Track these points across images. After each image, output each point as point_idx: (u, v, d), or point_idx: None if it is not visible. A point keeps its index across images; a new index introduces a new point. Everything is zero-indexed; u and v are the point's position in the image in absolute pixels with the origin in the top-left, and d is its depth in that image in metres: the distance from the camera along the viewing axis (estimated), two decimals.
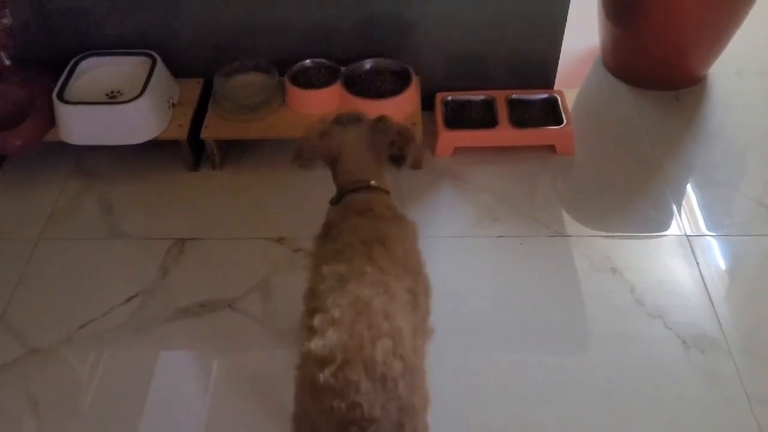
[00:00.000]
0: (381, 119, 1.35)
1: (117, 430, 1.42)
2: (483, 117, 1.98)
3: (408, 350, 1.05)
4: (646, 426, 1.40)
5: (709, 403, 1.43)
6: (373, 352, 1.00)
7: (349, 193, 1.29)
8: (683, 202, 1.84)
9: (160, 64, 1.91)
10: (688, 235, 1.75)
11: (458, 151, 1.98)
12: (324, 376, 0.98)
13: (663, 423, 1.40)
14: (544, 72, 2.03)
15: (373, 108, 1.85)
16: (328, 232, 1.27)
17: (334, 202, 1.32)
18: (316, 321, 1.05)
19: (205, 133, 1.89)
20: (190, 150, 1.91)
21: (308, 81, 1.94)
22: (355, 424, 0.96)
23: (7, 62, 1.84)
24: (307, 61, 1.97)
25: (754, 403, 1.42)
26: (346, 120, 1.37)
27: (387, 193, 1.32)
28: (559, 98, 2.00)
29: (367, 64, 1.97)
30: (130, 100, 1.80)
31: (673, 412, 1.42)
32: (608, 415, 1.42)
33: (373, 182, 1.30)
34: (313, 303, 1.11)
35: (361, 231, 1.21)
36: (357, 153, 1.32)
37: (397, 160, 1.38)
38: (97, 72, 1.93)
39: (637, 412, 1.42)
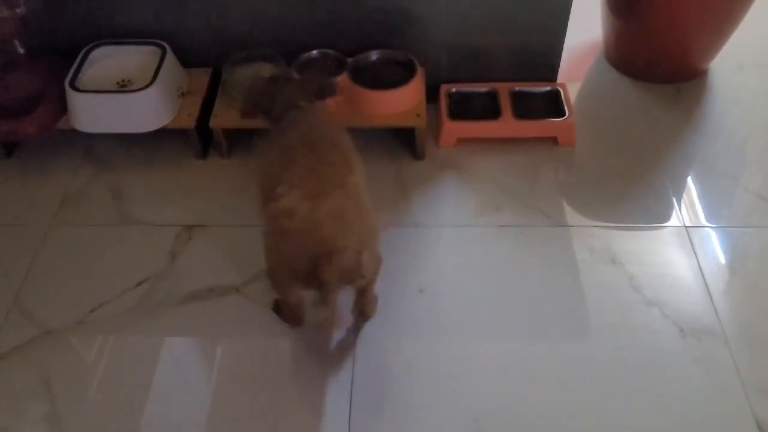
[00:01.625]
0: (307, 73, 1.68)
1: (125, 412, 1.46)
2: (486, 109, 2.01)
3: (353, 194, 1.34)
4: (642, 412, 1.43)
5: (705, 390, 1.46)
6: (329, 199, 1.28)
7: (287, 116, 1.53)
8: (683, 194, 1.87)
9: (169, 53, 1.94)
10: (687, 227, 1.78)
11: (461, 142, 2.00)
12: (295, 223, 1.25)
13: (659, 409, 1.43)
14: (547, 65, 2.05)
15: (379, 98, 1.88)
16: (270, 141, 1.51)
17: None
18: (280, 190, 1.31)
19: (214, 122, 1.92)
20: (199, 138, 1.95)
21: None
22: (324, 255, 1.22)
23: (21, 51, 1.87)
24: (314, 51, 1.99)
25: (749, 390, 1.45)
26: (279, 77, 1.62)
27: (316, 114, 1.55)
28: (561, 91, 2.02)
29: (374, 55, 1.99)
30: (141, 89, 1.83)
31: (670, 398, 1.45)
32: (606, 402, 1.45)
33: (300, 103, 1.54)
34: (272, 183, 1.36)
35: (298, 129, 1.47)
36: (288, 95, 1.56)
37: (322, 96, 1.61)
38: (108, 61, 1.96)
39: (634, 398, 1.45)
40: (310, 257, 1.24)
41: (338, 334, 1.56)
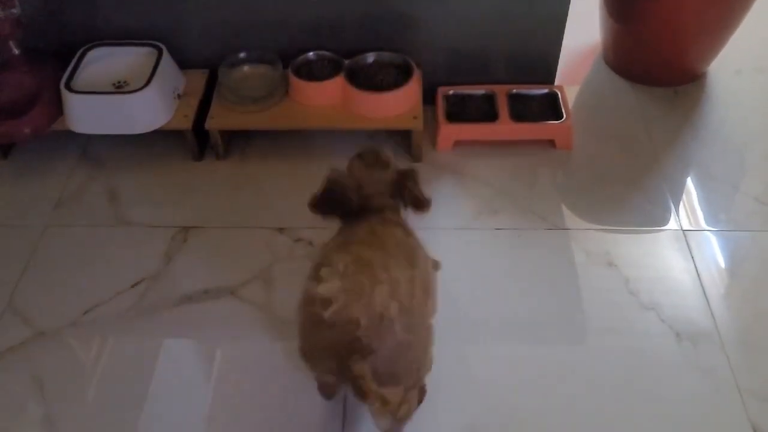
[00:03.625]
0: (410, 173, 1.40)
1: (120, 415, 1.45)
2: (484, 111, 2.00)
3: (404, 296, 1.18)
4: (638, 416, 1.43)
5: (701, 394, 1.45)
6: (372, 295, 1.13)
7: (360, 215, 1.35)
8: (681, 198, 1.86)
9: (166, 55, 1.94)
10: (684, 230, 1.77)
11: (459, 144, 2.00)
12: (328, 314, 1.11)
13: (655, 414, 1.43)
14: (545, 67, 2.05)
15: (375, 101, 1.88)
16: (339, 233, 1.37)
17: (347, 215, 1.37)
18: (323, 272, 1.17)
19: (210, 124, 1.92)
20: (195, 140, 1.94)
21: (311, 73, 1.96)
22: (355, 353, 1.10)
23: (16, 52, 1.87)
24: (311, 53, 1.99)
25: (745, 394, 1.44)
26: (371, 161, 1.40)
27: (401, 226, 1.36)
28: (559, 93, 2.02)
29: (370, 57, 1.99)
30: (137, 90, 1.83)
31: (665, 402, 1.44)
32: (601, 405, 1.44)
33: (387, 214, 1.36)
34: (319, 261, 1.23)
35: (370, 224, 1.32)
36: (376, 190, 1.37)
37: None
38: (104, 62, 1.95)
39: (629, 402, 1.45)
40: (341, 354, 1.12)
41: None
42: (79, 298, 1.65)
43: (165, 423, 1.44)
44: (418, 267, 1.27)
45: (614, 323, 1.58)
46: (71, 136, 1.90)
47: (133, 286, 1.68)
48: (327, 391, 1.45)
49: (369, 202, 1.36)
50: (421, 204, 1.40)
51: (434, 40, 1.98)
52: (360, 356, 1.11)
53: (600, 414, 1.43)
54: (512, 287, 1.66)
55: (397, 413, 1.32)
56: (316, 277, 1.17)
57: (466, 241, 1.76)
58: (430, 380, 1.46)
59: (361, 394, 1.10)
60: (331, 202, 1.37)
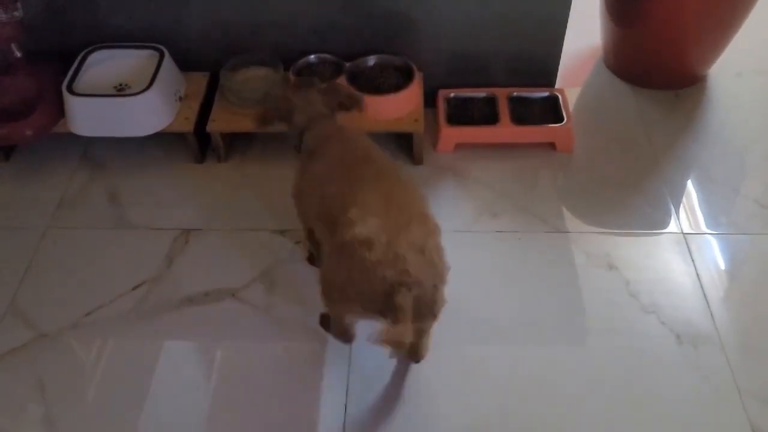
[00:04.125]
0: (330, 83, 1.59)
1: (121, 416, 1.45)
2: (484, 114, 2.00)
3: (434, 229, 1.28)
4: (638, 418, 1.43)
5: (701, 396, 1.45)
6: (409, 231, 1.22)
7: (312, 126, 1.50)
8: (681, 201, 1.86)
9: (167, 57, 1.94)
10: (684, 233, 1.78)
11: (459, 147, 2.00)
12: (374, 253, 1.17)
13: (655, 415, 1.43)
14: (545, 70, 2.05)
15: (376, 103, 1.88)
16: (312, 156, 1.48)
17: (299, 146, 1.53)
18: (353, 214, 1.24)
19: (211, 127, 1.92)
20: (196, 143, 1.95)
21: (312, 76, 1.96)
22: (404, 285, 1.16)
23: (18, 54, 1.88)
24: (312, 56, 2.00)
25: (745, 396, 1.45)
26: (301, 84, 1.58)
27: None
28: (560, 96, 2.02)
29: (371, 60, 1.99)
30: (138, 93, 1.83)
31: (666, 404, 1.44)
32: (602, 407, 1.44)
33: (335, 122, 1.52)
34: (340, 200, 1.30)
35: (350, 149, 1.45)
36: (310, 104, 1.52)
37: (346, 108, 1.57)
38: (106, 65, 1.96)
39: (630, 404, 1.45)
40: (389, 287, 1.17)
41: (333, 342, 1.55)
42: (80, 300, 1.65)
43: (165, 424, 1.44)
44: (418, 189, 1.38)
45: (614, 325, 1.58)
46: (73, 138, 1.91)
47: (134, 289, 1.68)
48: (347, 334, 1.48)
49: (310, 113, 1.50)
50: (353, 99, 1.55)
51: (435, 42, 1.98)
52: (407, 289, 1.16)
53: (600, 415, 1.43)
54: (513, 289, 1.66)
55: (419, 353, 1.46)
56: (344, 222, 1.23)
57: (466, 243, 1.77)
58: (430, 380, 1.46)
59: (396, 321, 1.16)
60: (278, 113, 1.52)
